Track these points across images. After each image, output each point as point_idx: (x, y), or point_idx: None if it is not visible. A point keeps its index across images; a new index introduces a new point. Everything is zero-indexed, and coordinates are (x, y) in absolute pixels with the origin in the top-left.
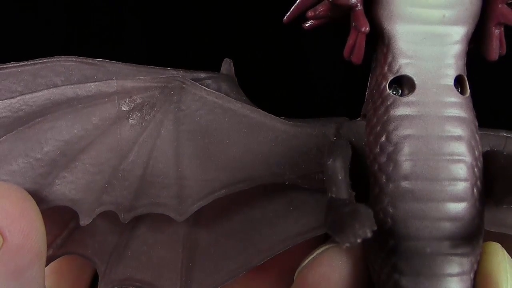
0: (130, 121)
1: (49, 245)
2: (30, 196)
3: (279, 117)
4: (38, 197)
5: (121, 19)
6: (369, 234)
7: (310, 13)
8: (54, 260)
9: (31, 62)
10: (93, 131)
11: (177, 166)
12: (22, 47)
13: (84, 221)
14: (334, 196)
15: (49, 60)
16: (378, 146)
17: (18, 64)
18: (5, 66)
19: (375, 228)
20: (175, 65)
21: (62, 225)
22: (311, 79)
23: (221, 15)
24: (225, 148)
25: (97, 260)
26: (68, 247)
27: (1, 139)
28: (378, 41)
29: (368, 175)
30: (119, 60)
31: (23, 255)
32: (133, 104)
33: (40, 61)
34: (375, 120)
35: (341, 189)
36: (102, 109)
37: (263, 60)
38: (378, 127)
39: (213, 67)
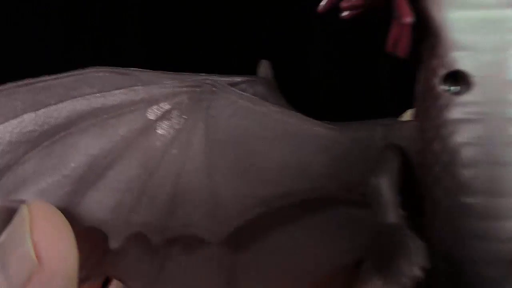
0: (158, 131)
1: (81, 267)
2: (65, 218)
3: (321, 121)
4: (67, 217)
5: (121, 27)
6: (419, 274)
7: (344, 4)
8: (86, 283)
9: (65, 74)
10: (120, 144)
11: (209, 181)
12: (22, 49)
13: (113, 243)
14: (379, 220)
15: (82, 72)
16: (432, 154)
17: (51, 78)
18: (39, 79)
19: (428, 267)
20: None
21: (94, 245)
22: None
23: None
24: (262, 159)
25: (131, 283)
26: (100, 268)
27: (27, 155)
28: (425, 31)
29: (422, 188)
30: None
31: (57, 281)
32: (160, 112)
33: (73, 73)
34: (426, 124)
35: (388, 212)
36: (129, 119)
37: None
38: (431, 132)
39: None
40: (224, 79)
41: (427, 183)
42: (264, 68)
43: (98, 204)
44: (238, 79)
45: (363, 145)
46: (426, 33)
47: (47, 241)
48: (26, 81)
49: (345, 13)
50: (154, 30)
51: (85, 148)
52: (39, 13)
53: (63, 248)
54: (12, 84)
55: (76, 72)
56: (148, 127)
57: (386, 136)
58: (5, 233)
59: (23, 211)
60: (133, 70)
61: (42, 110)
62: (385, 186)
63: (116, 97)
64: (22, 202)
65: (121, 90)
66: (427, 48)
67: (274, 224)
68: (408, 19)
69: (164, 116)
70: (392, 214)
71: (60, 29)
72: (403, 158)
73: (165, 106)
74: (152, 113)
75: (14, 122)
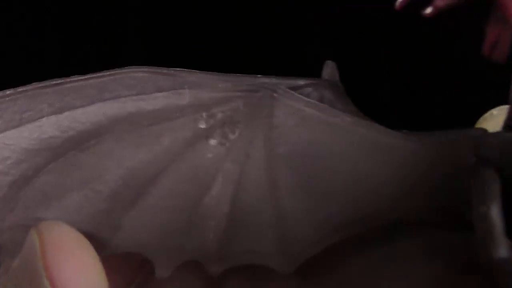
0: (210, 141)
1: None
2: (89, 242)
3: (400, 131)
4: (100, 241)
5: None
6: None
7: (439, 2)
8: None
9: (97, 74)
10: (163, 156)
11: (274, 200)
12: (21, 49)
13: (161, 272)
14: (489, 253)
15: (117, 71)
16: None
17: (83, 78)
18: (68, 80)
19: None
20: None
21: (135, 269)
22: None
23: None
24: (335, 177)
25: None
26: None
27: (49, 166)
28: None
29: None
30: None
31: None
32: (212, 120)
33: (107, 73)
34: None
35: (499, 244)
36: (174, 127)
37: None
38: None
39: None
40: (285, 81)
41: None
42: (330, 69)
43: (139, 225)
44: (301, 81)
45: (449, 160)
46: None
47: (66, 273)
48: (53, 81)
49: (428, 11)
50: (154, 32)
51: (120, 159)
52: (39, 14)
53: (84, 280)
54: (37, 84)
55: (111, 71)
56: (197, 136)
57: (478, 150)
58: (17, 260)
59: (34, 239)
60: (179, 70)
61: (66, 113)
62: (496, 214)
63: (158, 100)
64: (44, 220)
65: (164, 93)
66: None
67: (347, 250)
68: None
69: (217, 124)
70: (504, 247)
71: (60, 31)
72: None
73: (217, 113)
74: (202, 121)
75: (30, 126)
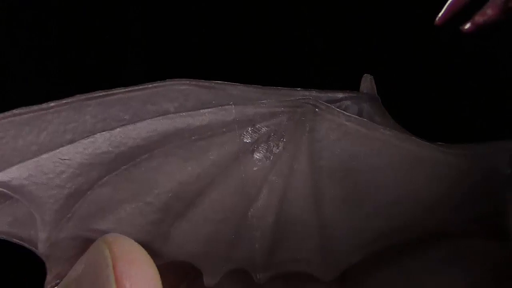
0: (255, 155)
1: None
2: (147, 253)
3: (437, 143)
4: (151, 251)
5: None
6: None
7: (478, 18)
8: None
9: (140, 86)
10: (211, 169)
11: (317, 211)
12: (22, 56)
13: (209, 280)
14: None
15: (160, 84)
16: None
17: (126, 90)
18: (111, 92)
19: None
20: None
21: (180, 275)
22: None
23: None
24: (376, 189)
25: None
26: None
27: (102, 180)
28: None
29: None
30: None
31: None
32: (257, 135)
33: (150, 85)
34: None
35: None
36: (220, 142)
37: None
38: None
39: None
40: (324, 94)
41: None
42: (367, 82)
43: (188, 236)
44: (340, 95)
45: (485, 172)
46: None
47: (135, 284)
48: (96, 93)
49: (467, 27)
50: (156, 38)
51: (170, 173)
52: (39, 18)
53: None
54: (81, 96)
55: (154, 84)
56: (243, 151)
57: (511, 162)
58: (79, 269)
59: (104, 251)
60: (221, 83)
61: (118, 129)
62: None
63: (205, 116)
64: (98, 232)
65: (210, 109)
66: None
67: (386, 259)
68: None
69: (261, 139)
70: None
71: (61, 35)
72: None
73: (262, 127)
74: (247, 136)
75: (85, 142)
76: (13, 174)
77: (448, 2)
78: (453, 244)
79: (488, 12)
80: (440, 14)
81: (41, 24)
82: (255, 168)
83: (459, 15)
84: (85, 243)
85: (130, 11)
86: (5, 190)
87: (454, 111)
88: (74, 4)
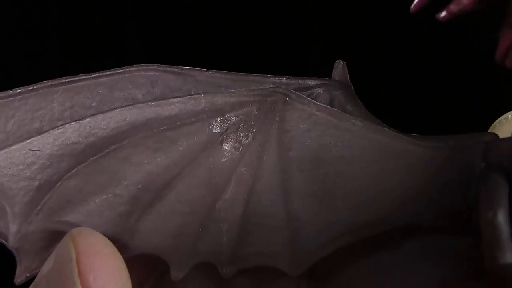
0: (224, 146)
1: None
2: (114, 247)
3: (410, 134)
4: (120, 243)
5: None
6: None
7: (453, 7)
8: None
9: (107, 72)
10: (180, 160)
11: (286, 204)
12: (21, 49)
13: (176, 274)
14: (495, 259)
15: (127, 69)
16: None
17: (92, 76)
18: (78, 78)
19: None
20: None
21: (149, 269)
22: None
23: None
24: (346, 181)
25: None
26: None
27: (72, 172)
28: None
29: None
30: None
31: None
32: (226, 125)
33: (117, 71)
34: None
35: (505, 250)
36: (189, 132)
37: None
38: None
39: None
40: (295, 81)
41: None
42: (339, 69)
43: (156, 228)
44: (311, 82)
45: (458, 165)
46: None
47: (99, 277)
48: (62, 79)
49: (442, 15)
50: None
51: (139, 164)
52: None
53: (116, 284)
54: (47, 82)
55: (120, 70)
56: (212, 141)
57: (486, 155)
58: (49, 264)
59: (68, 245)
60: (189, 69)
61: (87, 119)
62: (503, 220)
63: (174, 106)
64: (68, 224)
65: (180, 99)
66: None
67: (355, 253)
68: None
69: (230, 129)
70: (510, 253)
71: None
72: (507, 181)
73: (231, 117)
74: (216, 126)
75: (55, 132)
76: None
77: None
78: (426, 239)
79: (463, 1)
80: (415, 2)
81: (41, 24)
82: (223, 160)
83: (435, 3)
84: (54, 236)
85: (129, 13)
86: None
87: (430, 100)
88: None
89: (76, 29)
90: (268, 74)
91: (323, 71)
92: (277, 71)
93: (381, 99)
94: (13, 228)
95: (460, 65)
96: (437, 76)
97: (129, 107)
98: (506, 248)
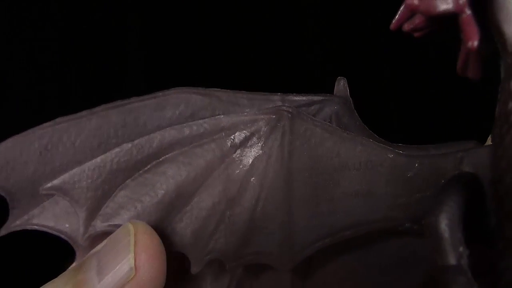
0: (236, 158)
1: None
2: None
3: (396, 144)
4: None
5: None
6: None
7: (407, 27)
8: None
9: (150, 96)
10: (204, 172)
11: (286, 209)
12: (19, 53)
13: (195, 268)
14: (438, 261)
15: (165, 93)
16: (505, 186)
17: (137, 100)
18: (126, 102)
19: None
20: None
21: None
22: None
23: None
24: (333, 188)
25: None
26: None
27: (123, 184)
28: (501, 49)
29: (495, 220)
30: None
31: None
32: (238, 141)
33: (159, 94)
34: (500, 151)
35: (447, 253)
36: (212, 148)
37: None
38: (504, 162)
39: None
40: (301, 98)
41: (501, 216)
42: (340, 85)
43: (183, 229)
44: (316, 98)
45: (435, 173)
46: (501, 51)
47: (146, 255)
48: (117, 102)
49: (416, 33)
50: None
51: (173, 176)
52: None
53: (158, 265)
54: (105, 106)
55: (159, 93)
56: (227, 155)
57: (461, 163)
58: (102, 245)
59: (129, 226)
60: (214, 90)
61: (137, 141)
62: (444, 225)
63: (201, 126)
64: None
65: (205, 120)
66: (503, 67)
67: (345, 249)
68: (474, 42)
69: (242, 144)
70: (452, 255)
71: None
72: (476, 187)
73: (243, 134)
74: (230, 141)
75: (114, 151)
76: (63, 179)
77: (401, 7)
78: (398, 245)
79: (415, 21)
80: (394, 20)
81: (41, 25)
82: (237, 171)
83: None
84: (102, 238)
85: (129, 16)
86: (55, 193)
87: (429, 112)
88: (74, 4)
89: (76, 29)
90: (278, 93)
91: (328, 74)
92: (277, 73)
93: (380, 109)
94: (82, 230)
95: (452, 76)
96: (436, 82)
97: (168, 129)
98: (447, 250)
